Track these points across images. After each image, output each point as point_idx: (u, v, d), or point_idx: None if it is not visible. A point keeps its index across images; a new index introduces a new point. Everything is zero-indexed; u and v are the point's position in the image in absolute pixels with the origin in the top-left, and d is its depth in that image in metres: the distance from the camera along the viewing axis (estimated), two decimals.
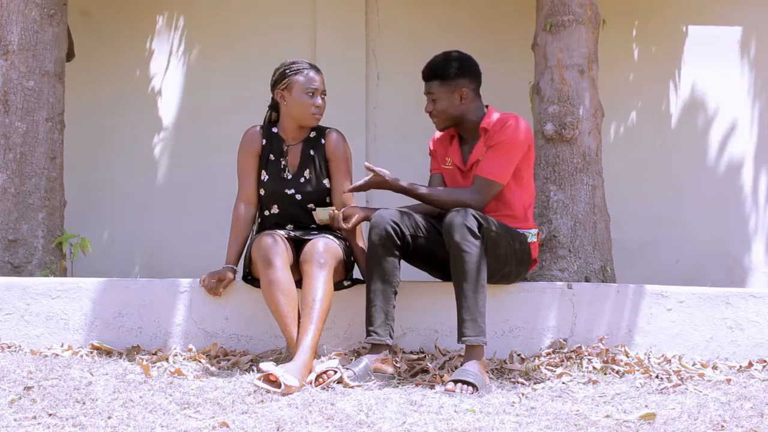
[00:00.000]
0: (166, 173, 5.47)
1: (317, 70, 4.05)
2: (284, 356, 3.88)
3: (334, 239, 3.91)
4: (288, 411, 3.11)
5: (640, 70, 5.52)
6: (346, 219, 3.90)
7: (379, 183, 3.89)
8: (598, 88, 4.70)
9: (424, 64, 4.02)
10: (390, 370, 3.70)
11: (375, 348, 3.71)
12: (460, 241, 3.62)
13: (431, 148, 4.16)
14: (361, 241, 4.05)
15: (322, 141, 4.09)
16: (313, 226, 4.04)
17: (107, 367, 3.68)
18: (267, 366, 3.41)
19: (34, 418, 2.94)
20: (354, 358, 3.79)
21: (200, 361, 3.84)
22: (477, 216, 3.67)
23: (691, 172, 5.49)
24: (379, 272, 3.74)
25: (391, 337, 3.73)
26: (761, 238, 5.49)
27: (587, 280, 4.49)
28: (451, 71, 3.94)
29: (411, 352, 3.97)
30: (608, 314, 4.07)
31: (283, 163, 4.07)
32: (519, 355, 3.95)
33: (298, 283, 3.81)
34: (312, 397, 3.30)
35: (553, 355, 3.93)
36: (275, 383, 3.36)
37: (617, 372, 3.81)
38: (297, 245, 3.92)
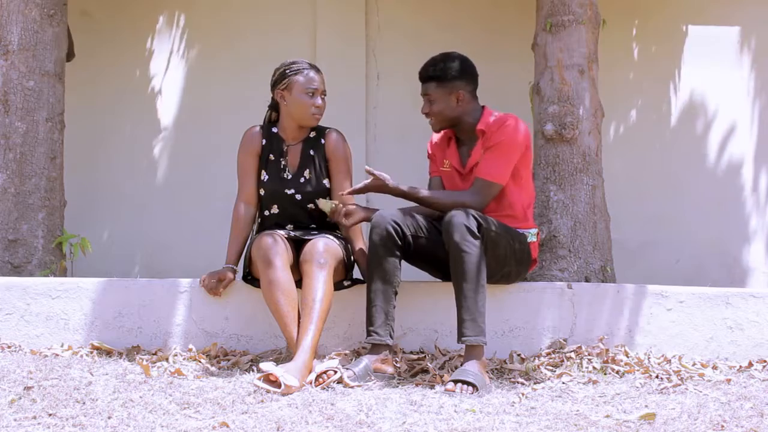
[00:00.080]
0: (166, 173, 5.47)
1: (317, 70, 4.05)
2: (284, 356, 3.88)
3: (334, 239, 3.91)
4: (288, 411, 3.11)
5: (640, 69, 5.52)
6: (347, 215, 3.89)
7: (378, 187, 3.89)
8: (598, 88, 4.70)
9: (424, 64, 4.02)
10: (390, 370, 3.70)
11: (375, 348, 3.71)
12: (459, 241, 3.62)
13: (429, 151, 4.16)
14: (361, 241, 4.05)
15: (322, 141, 4.09)
16: (313, 226, 4.04)
17: (107, 367, 3.68)
18: (267, 366, 3.41)
19: (34, 418, 2.94)
20: (354, 358, 3.79)
21: (200, 361, 3.84)
22: (477, 216, 3.67)
23: (691, 171, 5.49)
24: (380, 272, 3.74)
25: (391, 337, 3.73)
26: (761, 238, 5.49)
27: (587, 280, 4.49)
28: (448, 73, 3.94)
29: (411, 352, 3.97)
30: (608, 314, 4.07)
31: (283, 163, 4.07)
32: (519, 355, 3.95)
33: (298, 283, 3.81)
34: (312, 397, 3.30)
35: (553, 355, 3.93)
36: (275, 383, 3.36)
37: (617, 372, 3.81)
38: (297, 245, 3.92)
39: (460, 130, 4.02)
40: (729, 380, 3.71)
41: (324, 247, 3.79)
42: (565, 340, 4.03)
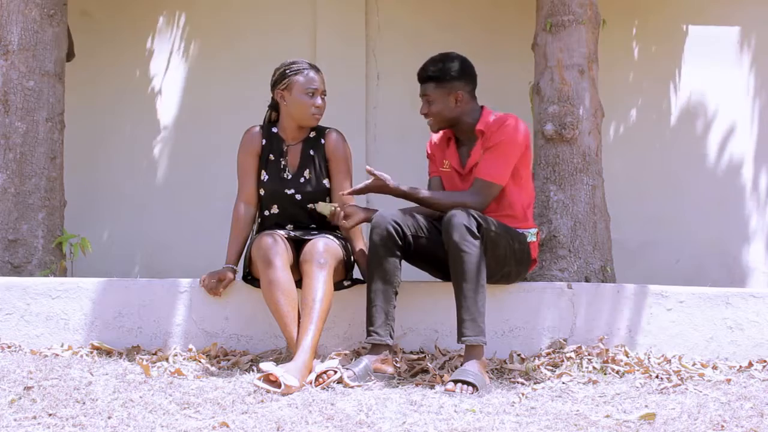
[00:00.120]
0: (166, 173, 5.47)
1: (317, 70, 4.05)
2: (284, 356, 3.88)
3: (334, 239, 3.91)
4: (288, 411, 3.11)
5: (640, 69, 5.52)
6: (346, 217, 3.89)
7: (379, 187, 3.89)
8: (598, 88, 4.70)
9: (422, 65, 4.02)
10: (390, 370, 3.70)
11: (375, 348, 3.71)
12: (459, 241, 3.62)
13: (429, 152, 4.15)
14: (362, 242, 4.05)
15: (322, 141, 4.09)
16: (313, 226, 4.04)
17: (107, 367, 3.68)
18: (267, 366, 3.41)
19: (34, 418, 2.94)
20: (354, 358, 3.79)
21: (200, 361, 3.84)
22: (476, 216, 3.67)
23: (691, 171, 5.49)
24: (380, 272, 3.74)
25: (391, 337, 3.73)
26: (761, 238, 5.49)
27: (587, 280, 4.49)
28: (446, 73, 3.93)
29: (411, 352, 3.97)
30: (608, 314, 4.07)
31: (282, 163, 4.07)
32: (519, 355, 3.95)
33: (298, 283, 3.81)
34: (312, 397, 3.30)
35: (553, 355, 3.93)
36: (275, 383, 3.36)
37: (617, 372, 3.81)
38: (297, 245, 3.92)
39: (459, 130, 4.02)
40: (729, 380, 3.71)
41: (324, 247, 3.79)
42: (565, 340, 4.03)
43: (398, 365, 3.77)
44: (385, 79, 5.49)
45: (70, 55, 4.89)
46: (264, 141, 4.09)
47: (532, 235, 3.97)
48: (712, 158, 5.51)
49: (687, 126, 5.51)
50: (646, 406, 3.30)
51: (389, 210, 3.85)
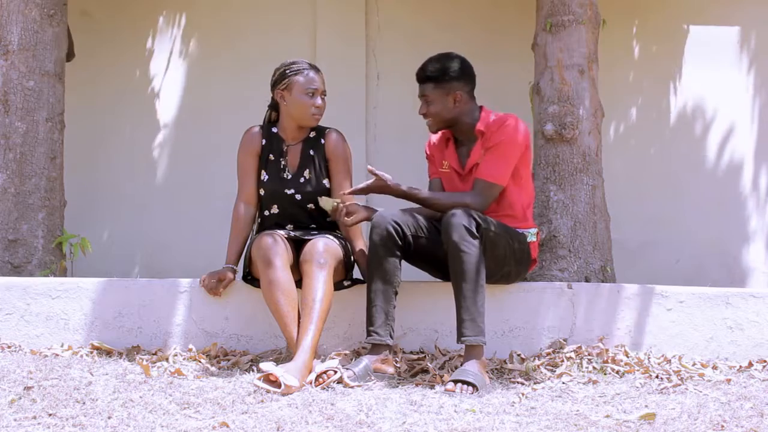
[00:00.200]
0: (166, 173, 5.47)
1: (317, 71, 4.05)
2: (284, 356, 3.88)
3: (334, 239, 3.91)
4: (288, 411, 3.11)
5: (640, 69, 5.52)
6: (348, 215, 3.88)
7: (380, 187, 3.88)
8: (598, 88, 4.70)
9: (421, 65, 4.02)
10: (390, 370, 3.70)
11: (375, 348, 3.71)
12: (458, 241, 3.62)
13: (428, 153, 4.15)
14: (362, 242, 4.05)
15: (322, 141, 4.09)
16: (313, 226, 4.04)
17: (107, 367, 3.68)
18: (267, 366, 3.41)
19: (34, 418, 2.94)
20: (354, 358, 3.79)
21: (200, 361, 3.84)
22: (475, 216, 3.67)
23: (690, 172, 5.49)
24: (380, 272, 3.74)
25: (391, 337, 3.73)
26: (761, 238, 5.49)
27: (587, 280, 4.49)
28: (445, 74, 3.93)
29: (411, 352, 3.97)
30: (608, 314, 4.07)
31: (282, 163, 4.07)
32: (519, 355, 3.95)
33: (298, 283, 3.81)
34: (312, 397, 3.30)
35: (553, 355, 3.93)
36: (275, 383, 3.36)
37: (617, 372, 3.81)
38: (297, 245, 3.92)
39: (458, 130, 4.02)
40: (729, 380, 3.71)
41: (324, 247, 3.79)
42: (565, 340, 4.03)
43: (398, 365, 3.77)
44: (385, 79, 5.49)
45: (70, 55, 4.89)
46: (264, 141, 4.09)
47: (532, 235, 3.97)
48: (712, 158, 5.51)
49: (687, 126, 5.51)
50: (646, 406, 3.30)
51: (389, 210, 3.84)
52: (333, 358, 3.73)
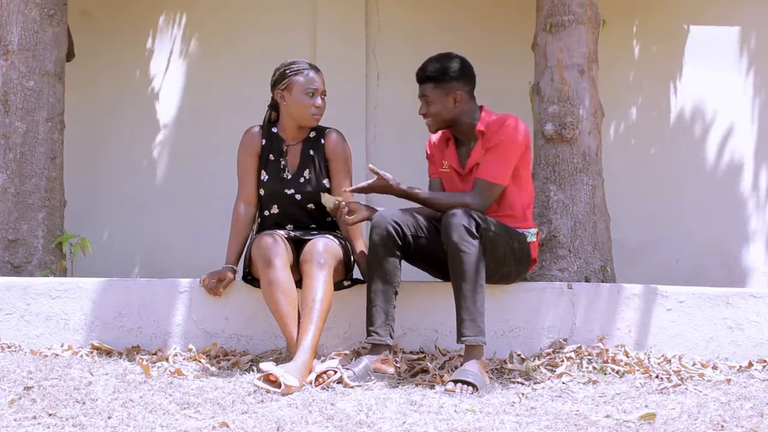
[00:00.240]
0: (166, 173, 5.47)
1: (317, 71, 4.05)
2: (284, 356, 3.88)
3: (334, 239, 3.91)
4: (288, 411, 3.11)
5: (640, 69, 5.52)
6: (350, 213, 3.87)
7: (382, 186, 3.88)
8: (598, 87, 4.70)
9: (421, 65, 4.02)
10: (390, 370, 3.70)
11: (375, 348, 3.71)
12: (458, 241, 3.62)
13: (428, 152, 4.15)
14: (362, 241, 4.04)
15: (322, 141, 4.09)
16: (313, 226, 4.04)
17: (107, 367, 3.68)
18: (267, 366, 3.41)
19: (34, 418, 2.94)
20: (354, 358, 3.79)
21: (200, 361, 3.84)
22: (475, 216, 3.67)
23: (690, 172, 5.49)
24: (380, 272, 3.74)
25: (391, 337, 3.73)
26: (761, 238, 5.49)
27: (587, 280, 4.49)
28: (445, 74, 3.93)
29: (411, 352, 3.97)
30: (608, 314, 4.07)
31: (282, 163, 4.07)
32: (519, 355, 3.95)
33: (298, 283, 3.81)
34: (312, 397, 3.30)
35: (553, 355, 3.93)
36: (275, 383, 3.36)
37: (617, 372, 3.81)
38: (297, 245, 3.92)
39: (458, 130, 4.02)
40: (729, 380, 3.71)
41: (324, 247, 3.79)
42: (564, 340, 4.03)
43: (398, 365, 3.77)
44: (385, 79, 5.49)
45: (70, 55, 4.89)
46: (264, 141, 4.09)
47: (532, 235, 3.97)
48: (712, 158, 5.51)
49: (687, 126, 5.51)
50: (646, 406, 3.30)
51: (389, 210, 3.84)
52: (333, 358, 3.73)
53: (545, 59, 4.68)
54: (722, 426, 3.03)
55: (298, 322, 3.67)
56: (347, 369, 3.57)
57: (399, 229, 3.76)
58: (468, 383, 3.47)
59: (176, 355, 3.88)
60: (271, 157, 4.07)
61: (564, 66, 4.62)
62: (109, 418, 2.97)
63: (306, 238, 3.91)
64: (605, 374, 3.80)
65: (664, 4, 5.51)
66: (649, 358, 3.96)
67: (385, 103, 5.48)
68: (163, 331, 4.02)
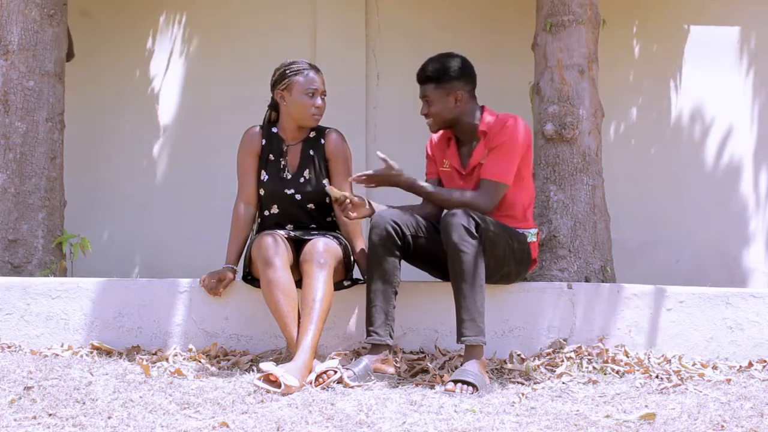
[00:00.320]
0: (166, 173, 5.47)
1: (317, 71, 4.05)
2: (284, 356, 3.88)
3: (334, 239, 3.91)
4: (288, 411, 3.11)
5: (640, 69, 5.52)
6: (354, 208, 3.85)
7: (389, 176, 3.85)
8: (598, 87, 4.70)
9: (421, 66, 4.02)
10: (390, 370, 3.70)
11: (375, 348, 3.71)
12: (457, 241, 3.62)
13: (429, 152, 4.14)
14: (362, 241, 4.04)
15: (322, 141, 4.09)
16: (313, 226, 4.04)
17: (107, 367, 3.68)
18: (267, 366, 3.41)
19: (34, 418, 2.94)
20: (354, 358, 3.79)
21: (200, 361, 3.84)
22: (475, 216, 3.67)
23: (691, 172, 5.49)
24: (380, 272, 3.74)
25: (391, 337, 3.73)
26: (761, 238, 5.49)
27: (587, 280, 4.49)
28: (445, 74, 3.92)
29: (411, 352, 3.97)
30: (608, 314, 4.07)
31: (282, 163, 4.07)
32: (519, 355, 3.95)
33: (298, 283, 3.81)
34: (312, 397, 3.30)
35: (553, 355, 3.93)
36: (275, 383, 3.36)
37: (617, 372, 3.81)
38: (297, 245, 3.92)
39: (459, 130, 4.01)
40: (729, 380, 3.71)
41: (324, 247, 3.79)
42: (564, 340, 4.03)
43: (398, 365, 3.77)
44: (385, 79, 5.49)
45: (69, 55, 4.89)
46: (264, 141, 4.09)
47: (532, 236, 3.97)
48: (712, 158, 5.51)
49: (687, 126, 5.51)
50: (646, 406, 3.30)
51: (389, 210, 3.84)
52: (333, 358, 3.73)
53: (545, 59, 4.68)
54: (722, 426, 3.03)
55: (298, 322, 3.67)
56: (347, 369, 3.57)
57: (398, 229, 3.76)
58: (468, 383, 3.47)
59: (176, 355, 3.88)
60: (271, 157, 4.07)
61: (564, 66, 4.62)
62: (109, 418, 2.97)
63: (306, 238, 3.91)
64: (605, 374, 3.80)
65: (664, 4, 5.51)
66: (649, 358, 3.96)
67: (385, 103, 5.48)
68: (163, 331, 4.02)
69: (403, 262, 3.83)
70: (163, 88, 5.50)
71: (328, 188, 3.89)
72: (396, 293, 3.76)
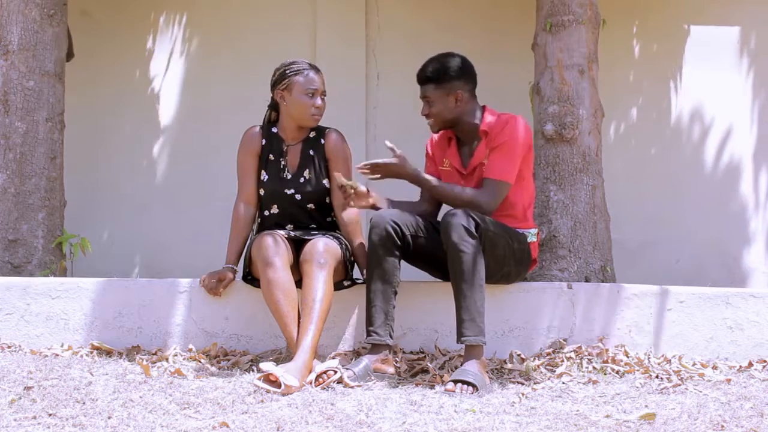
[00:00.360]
0: (166, 173, 5.47)
1: (317, 71, 4.05)
2: (284, 356, 3.88)
3: (334, 239, 3.91)
4: (288, 411, 3.11)
5: (640, 69, 5.52)
6: (358, 197, 3.85)
7: (397, 167, 3.84)
8: (598, 88, 4.70)
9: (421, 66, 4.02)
10: (390, 370, 3.70)
11: (375, 348, 3.71)
12: (457, 241, 3.62)
13: (429, 152, 4.14)
14: (361, 241, 4.04)
15: (322, 141, 4.09)
16: (313, 226, 4.04)
17: (107, 367, 3.68)
18: (267, 366, 3.41)
19: (34, 418, 2.94)
20: (354, 358, 3.79)
21: (200, 361, 3.84)
22: (474, 216, 3.67)
23: (691, 172, 5.49)
24: (380, 272, 3.74)
25: (391, 337, 3.73)
26: (761, 238, 5.49)
27: (587, 280, 4.49)
28: (445, 74, 3.92)
29: (411, 352, 3.97)
30: (608, 314, 4.07)
31: (282, 163, 4.07)
32: (519, 355, 3.95)
33: (298, 283, 3.81)
34: (312, 397, 3.30)
35: (553, 355, 3.93)
36: (275, 383, 3.36)
37: (617, 372, 3.81)
38: (297, 245, 3.92)
39: (460, 130, 4.02)
40: (729, 380, 3.71)
41: (324, 247, 3.79)
42: (564, 340, 4.03)
43: (398, 365, 3.77)
44: (385, 79, 5.49)
45: (69, 55, 4.89)
46: (264, 141, 4.09)
47: (532, 236, 3.97)
48: (712, 158, 5.51)
49: (687, 126, 5.51)
50: (646, 406, 3.30)
51: (388, 210, 3.84)
52: (333, 358, 3.73)
53: (545, 59, 4.68)
54: (722, 426, 3.03)
55: (298, 322, 3.67)
56: (347, 369, 3.57)
57: (398, 229, 3.76)
58: (468, 383, 3.47)
59: (176, 355, 3.88)
60: (271, 157, 4.07)
61: (564, 66, 4.62)
62: (109, 418, 2.97)
63: (306, 238, 3.91)
64: (605, 374, 3.80)
65: (664, 4, 5.51)
66: (649, 358, 3.96)
67: (385, 103, 5.48)
68: (163, 331, 4.02)
69: (403, 262, 3.83)
70: (163, 88, 5.50)
71: (336, 175, 3.88)
72: (396, 293, 3.76)
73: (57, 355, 3.87)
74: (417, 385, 3.59)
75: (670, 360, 3.95)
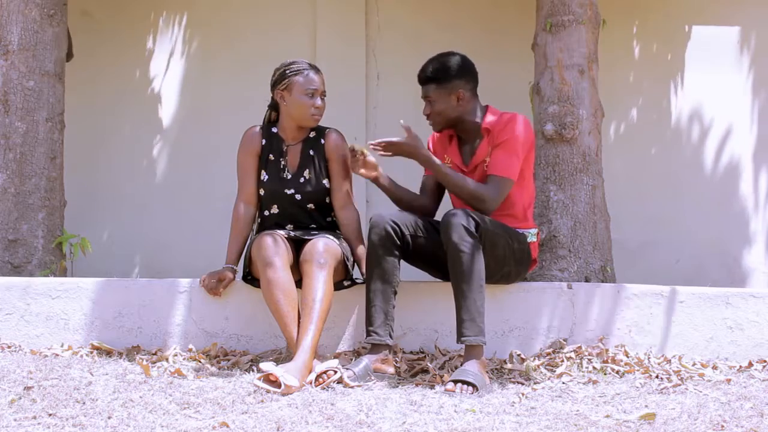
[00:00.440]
0: (166, 173, 5.47)
1: (317, 71, 4.05)
2: (284, 356, 3.88)
3: (334, 239, 3.91)
4: (288, 411, 3.11)
5: (641, 69, 5.52)
6: (365, 166, 3.89)
7: (410, 146, 3.84)
8: (598, 88, 4.70)
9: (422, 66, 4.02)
10: (390, 370, 3.70)
11: (375, 348, 3.71)
12: (457, 241, 3.62)
13: (429, 148, 4.14)
14: (361, 241, 4.04)
15: (322, 141, 4.09)
16: (313, 226, 4.04)
17: (107, 367, 3.68)
18: (267, 366, 3.41)
19: (34, 418, 2.94)
20: (354, 358, 3.79)
21: (200, 361, 3.84)
22: (474, 216, 3.67)
23: (691, 172, 5.49)
24: (379, 272, 3.74)
25: (391, 337, 3.73)
26: (761, 238, 5.49)
27: (587, 280, 4.49)
28: (446, 73, 3.93)
29: (411, 352, 3.97)
30: (608, 314, 4.07)
31: (282, 163, 4.07)
32: (519, 355, 3.95)
33: (298, 283, 3.81)
34: (312, 397, 3.30)
35: (553, 355, 3.93)
36: (275, 383, 3.36)
37: (617, 372, 3.81)
38: (297, 245, 3.92)
39: (462, 128, 4.02)
40: (729, 380, 3.71)
41: (324, 247, 3.79)
42: (564, 340, 4.03)
43: (398, 365, 3.77)
44: (385, 79, 5.49)
45: (69, 55, 4.89)
46: (264, 141, 4.09)
47: (532, 236, 3.97)
48: (712, 158, 5.51)
49: (687, 126, 5.51)
50: (646, 406, 3.30)
51: (388, 210, 3.85)
52: (333, 358, 3.73)
53: (545, 59, 4.68)
54: (722, 426, 3.03)
55: (298, 322, 3.67)
56: (347, 369, 3.57)
57: (398, 228, 3.76)
58: (468, 383, 3.47)
59: (176, 355, 3.88)
60: (271, 157, 4.07)
61: (564, 66, 4.62)
62: (109, 418, 2.97)
63: (306, 238, 3.91)
64: (605, 374, 3.80)
65: (664, 4, 5.51)
66: (649, 358, 3.96)
67: (385, 103, 5.48)
68: (163, 331, 4.02)
69: (402, 262, 3.83)
70: (163, 88, 5.50)
71: (354, 143, 3.89)
72: (395, 293, 3.76)
73: (57, 355, 3.87)
74: (417, 385, 3.59)
75: (670, 360, 3.95)
